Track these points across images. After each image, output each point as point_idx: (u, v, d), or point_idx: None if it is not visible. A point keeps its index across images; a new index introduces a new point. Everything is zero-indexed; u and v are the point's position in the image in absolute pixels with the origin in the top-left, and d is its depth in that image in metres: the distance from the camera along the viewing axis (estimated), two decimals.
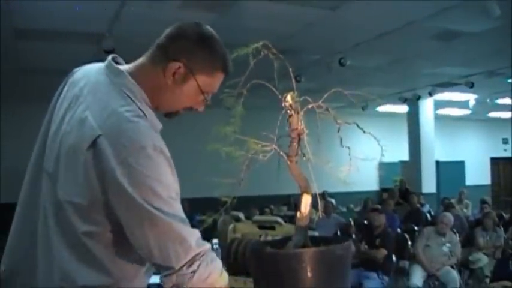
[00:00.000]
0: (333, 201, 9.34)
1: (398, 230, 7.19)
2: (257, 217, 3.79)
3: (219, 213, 1.39)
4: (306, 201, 1.31)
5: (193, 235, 1.20)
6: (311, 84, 7.06)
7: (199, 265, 1.18)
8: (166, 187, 1.18)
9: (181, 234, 1.17)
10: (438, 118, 12.41)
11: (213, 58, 1.34)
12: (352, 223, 7.76)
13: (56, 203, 1.24)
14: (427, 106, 11.59)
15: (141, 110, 1.25)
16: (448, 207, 8.15)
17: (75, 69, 1.44)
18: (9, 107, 9.64)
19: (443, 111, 13.19)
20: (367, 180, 11.62)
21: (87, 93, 1.30)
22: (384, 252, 5.63)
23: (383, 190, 12.62)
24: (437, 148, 12.17)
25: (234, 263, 2.66)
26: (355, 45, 6.80)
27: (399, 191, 10.90)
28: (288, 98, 1.28)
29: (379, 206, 7.13)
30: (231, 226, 3.17)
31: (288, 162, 1.29)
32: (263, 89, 1.35)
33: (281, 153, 1.29)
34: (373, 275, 5.54)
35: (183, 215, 1.20)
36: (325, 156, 1.28)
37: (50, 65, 7.38)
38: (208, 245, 1.23)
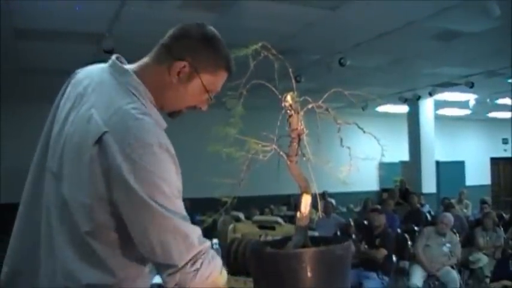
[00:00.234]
0: (333, 201, 9.34)
1: (398, 230, 7.18)
2: (257, 217, 3.80)
3: (219, 213, 1.39)
4: (306, 201, 1.31)
5: (195, 232, 1.20)
6: (311, 84, 7.06)
7: (202, 263, 1.18)
8: (170, 184, 1.18)
9: (184, 231, 1.18)
10: (438, 118, 12.42)
11: (217, 57, 1.36)
12: (352, 223, 7.76)
13: (60, 202, 1.24)
14: (427, 106, 11.59)
15: (146, 108, 1.26)
16: (448, 207, 8.15)
17: (78, 70, 1.44)
18: (9, 107, 9.64)
19: (443, 111, 13.19)
20: (367, 180, 11.61)
21: (91, 91, 1.31)
22: (383, 252, 5.63)
23: (383, 190, 12.63)
24: (437, 148, 12.17)
25: (234, 263, 2.66)
26: (355, 45, 6.80)
27: (399, 191, 10.91)
28: (288, 98, 1.28)
29: (379, 206, 7.13)
30: (231, 226, 3.18)
31: (288, 162, 1.29)
32: (263, 89, 1.35)
33: (281, 153, 1.29)
34: (373, 275, 5.54)
35: (184, 212, 1.21)
36: (325, 156, 1.28)
37: (50, 65, 7.39)
38: (208, 243, 1.23)
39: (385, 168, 12.23)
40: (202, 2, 5.19)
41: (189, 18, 1.46)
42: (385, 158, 1.37)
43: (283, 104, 1.29)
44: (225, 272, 1.25)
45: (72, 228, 1.22)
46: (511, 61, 7.49)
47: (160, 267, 1.19)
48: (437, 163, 12.51)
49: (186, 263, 1.17)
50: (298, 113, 1.29)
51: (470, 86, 9.03)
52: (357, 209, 11.06)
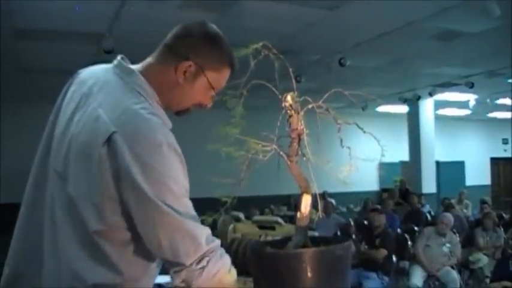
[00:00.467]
0: (333, 201, 9.34)
1: (399, 230, 7.18)
2: (257, 217, 3.81)
3: (219, 213, 1.39)
4: (306, 201, 1.31)
5: (204, 232, 1.21)
6: (311, 84, 7.06)
7: (209, 261, 1.19)
8: (179, 184, 1.19)
9: (192, 231, 1.18)
10: (438, 118, 12.42)
11: (220, 54, 1.37)
12: (352, 223, 7.75)
13: (66, 202, 1.24)
14: (427, 106, 11.59)
15: (153, 108, 1.27)
16: (448, 207, 8.15)
17: (80, 70, 1.44)
18: (9, 107, 9.64)
19: (443, 112, 13.19)
20: (367, 180, 11.62)
21: (97, 91, 1.30)
22: (383, 252, 5.63)
23: (383, 190, 12.63)
24: (437, 148, 12.17)
25: (233, 263, 2.66)
26: (355, 45, 6.81)
27: (399, 191, 10.91)
28: (288, 98, 1.28)
29: (379, 206, 7.13)
30: (231, 226, 3.18)
31: (288, 162, 1.29)
32: (263, 89, 1.35)
33: (281, 153, 1.29)
34: (373, 275, 5.54)
35: (193, 212, 1.22)
36: (325, 156, 1.28)
37: (50, 65, 7.40)
38: (217, 241, 1.24)
39: (385, 168, 12.22)
40: (202, 2, 5.19)
41: (189, 18, 1.46)
42: (385, 158, 1.37)
43: (283, 104, 1.29)
44: (234, 271, 1.26)
45: (79, 227, 1.22)
46: (511, 61, 7.49)
47: (168, 264, 1.21)
48: (437, 163, 12.51)
49: (193, 262, 1.18)
50: (298, 113, 1.29)
51: (470, 86, 9.03)
52: (357, 209, 11.06)
